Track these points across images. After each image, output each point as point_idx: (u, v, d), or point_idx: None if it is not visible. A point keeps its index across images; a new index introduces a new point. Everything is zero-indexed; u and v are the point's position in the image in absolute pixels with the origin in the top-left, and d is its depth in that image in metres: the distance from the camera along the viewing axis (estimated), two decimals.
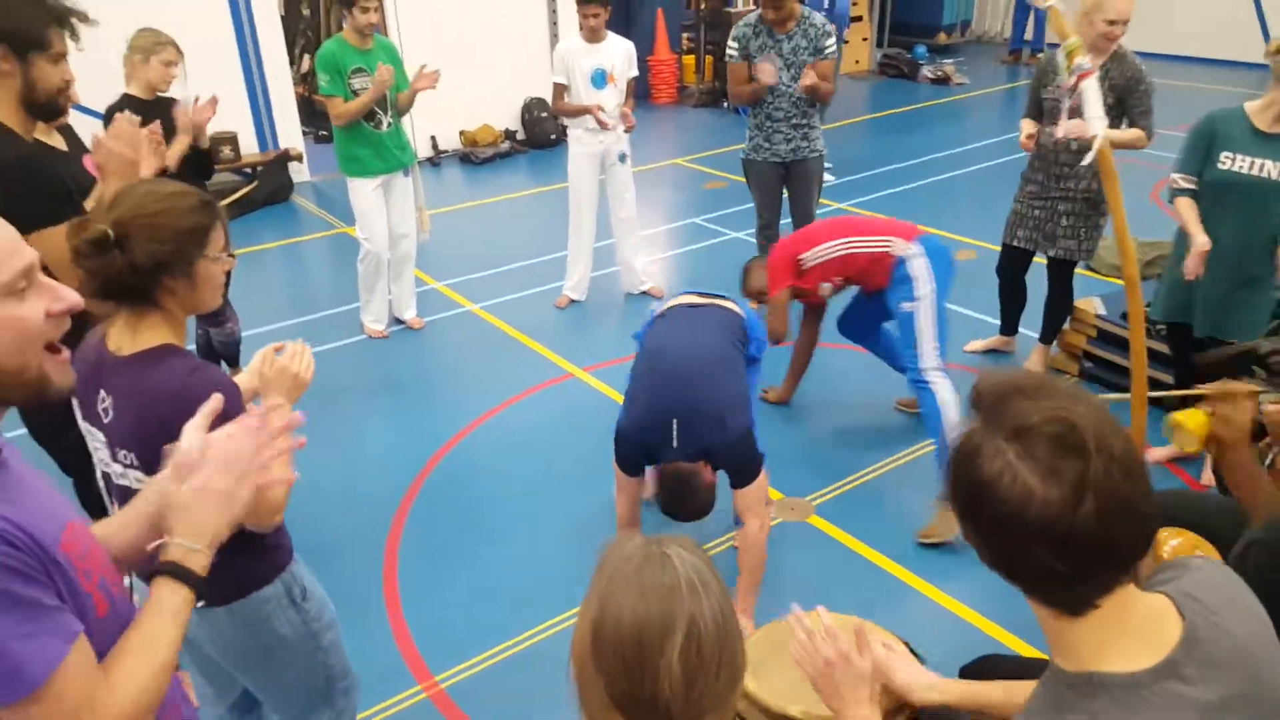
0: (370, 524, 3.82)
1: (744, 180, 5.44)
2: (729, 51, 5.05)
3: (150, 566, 1.31)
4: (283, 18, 8.66)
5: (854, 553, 3.57)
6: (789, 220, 5.29)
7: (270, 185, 7.90)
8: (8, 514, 1.12)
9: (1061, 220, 4.37)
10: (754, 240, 6.25)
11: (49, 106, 2.54)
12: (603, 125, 5.29)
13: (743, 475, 3.05)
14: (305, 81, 9.72)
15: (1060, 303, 4.67)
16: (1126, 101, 4.08)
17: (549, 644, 3.18)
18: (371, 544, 3.71)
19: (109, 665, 1.20)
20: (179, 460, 1.33)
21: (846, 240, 3.92)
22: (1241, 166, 3.51)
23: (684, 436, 2.94)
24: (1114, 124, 4.05)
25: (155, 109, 4.05)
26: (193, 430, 1.36)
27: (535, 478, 4.11)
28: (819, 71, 4.81)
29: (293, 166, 8.25)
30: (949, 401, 3.66)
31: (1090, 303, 4.77)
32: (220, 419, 1.39)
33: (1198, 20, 11.79)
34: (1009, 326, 4.94)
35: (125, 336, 1.77)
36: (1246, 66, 11.48)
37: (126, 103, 4.05)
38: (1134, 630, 1.17)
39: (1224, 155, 3.54)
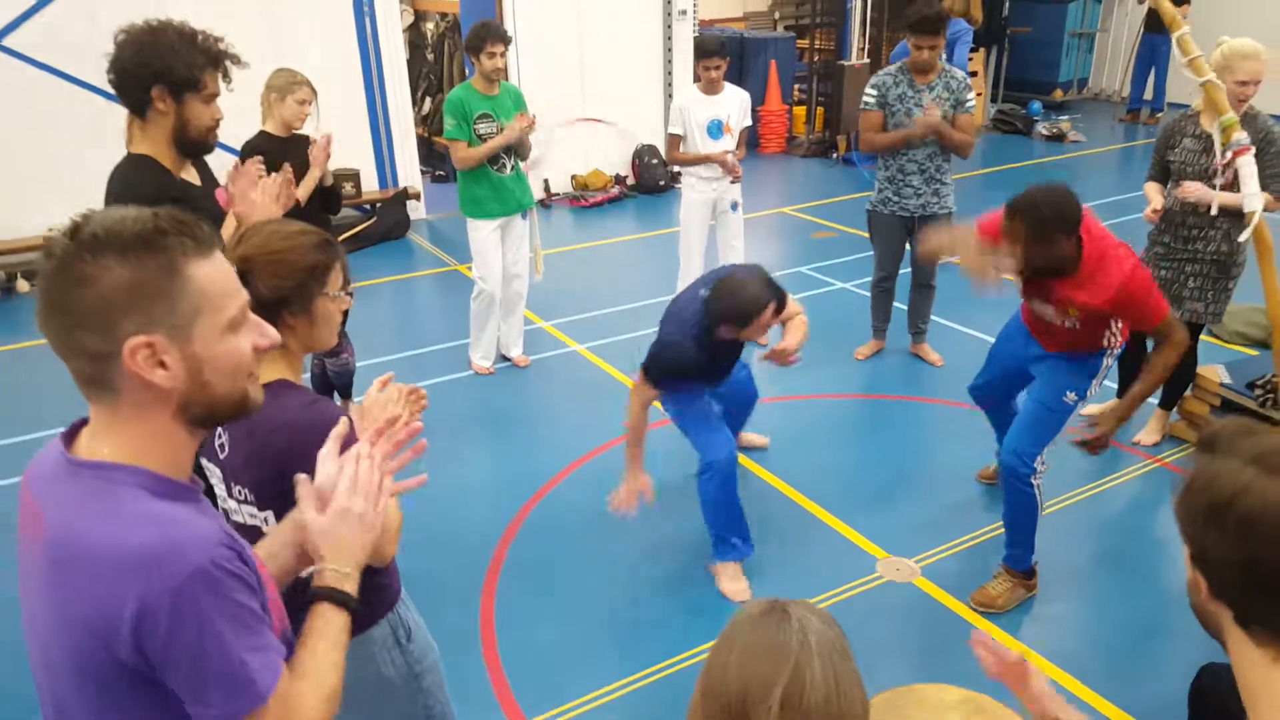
0: (470, 560, 3.88)
1: (851, 230, 5.42)
2: (865, 99, 5.06)
3: (306, 594, 1.37)
4: (407, 61, 9.04)
5: (960, 617, 3.47)
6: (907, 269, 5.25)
7: (388, 222, 8.19)
8: (230, 532, 1.21)
9: (1189, 282, 4.23)
10: (860, 291, 6.21)
11: (199, 144, 2.69)
12: (733, 170, 5.36)
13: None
14: (425, 123, 10.09)
15: (1184, 368, 4.50)
16: (1257, 163, 3.95)
17: (647, 692, 3.16)
18: (470, 580, 3.75)
19: (292, 685, 1.26)
20: (317, 488, 1.40)
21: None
22: None
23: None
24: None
25: (290, 146, 4.31)
26: (326, 458, 1.42)
27: (650, 523, 4.11)
28: (959, 125, 4.86)
29: (410, 204, 8.54)
30: (1038, 498, 3.43)
31: (1214, 370, 4.59)
32: (342, 448, 1.45)
33: None
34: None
35: None
36: None
37: (263, 139, 4.29)
38: None
39: None
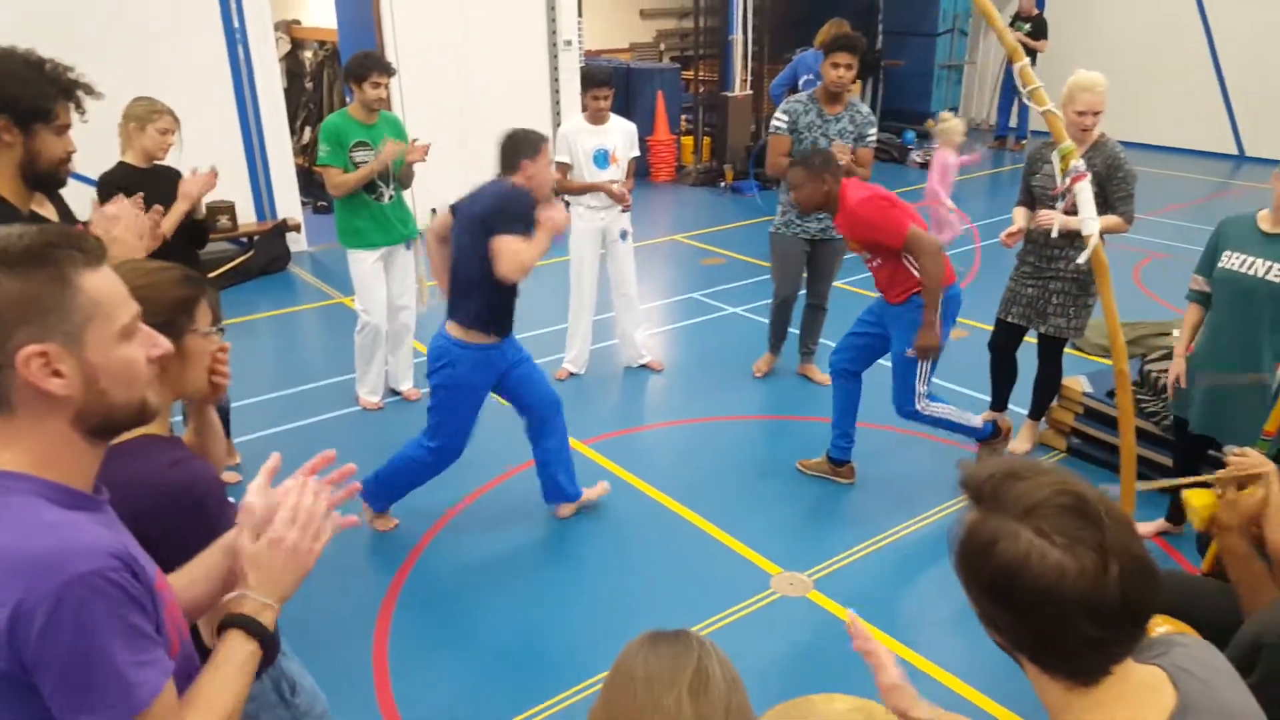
0: (361, 603, 3.75)
1: (741, 257, 5.53)
2: (776, 123, 5.18)
3: (220, 618, 1.35)
4: (285, 90, 8.83)
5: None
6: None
7: (267, 255, 7.94)
8: (127, 544, 1.21)
9: (1053, 299, 4.45)
10: (752, 316, 6.32)
11: (50, 177, 2.54)
12: (621, 199, 5.38)
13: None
14: (306, 153, 9.86)
15: (1050, 380, 4.72)
16: (1106, 188, 4.19)
17: None
18: (361, 624, 3.64)
19: (180, 711, 1.24)
20: (253, 517, 1.39)
21: None
22: (1237, 264, 3.51)
23: None
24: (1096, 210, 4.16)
25: (151, 177, 4.10)
26: (257, 490, 1.42)
27: (533, 554, 4.07)
28: (860, 159, 5.07)
29: (290, 236, 8.31)
30: (949, 410, 4.28)
31: (1077, 381, 4.83)
32: (200, 510, 1.44)
33: (1176, 112, 12.17)
34: (1000, 402, 4.98)
35: None
36: (1218, 156, 11.87)
37: (122, 171, 4.08)
38: (1135, 700, 1.20)
39: (1225, 254, 3.57)
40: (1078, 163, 2.94)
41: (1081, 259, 2.96)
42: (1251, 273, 3.47)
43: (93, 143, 4.17)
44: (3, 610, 1.10)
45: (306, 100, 10.39)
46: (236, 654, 1.32)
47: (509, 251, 3.57)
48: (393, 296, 5.28)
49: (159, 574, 1.29)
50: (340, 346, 5.91)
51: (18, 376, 1.17)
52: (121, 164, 4.13)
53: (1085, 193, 2.91)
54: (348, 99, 5.05)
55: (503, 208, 3.64)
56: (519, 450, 4.80)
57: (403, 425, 5.25)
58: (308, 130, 10.20)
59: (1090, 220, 2.84)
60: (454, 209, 3.92)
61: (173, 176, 4.16)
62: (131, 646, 1.16)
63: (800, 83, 8.44)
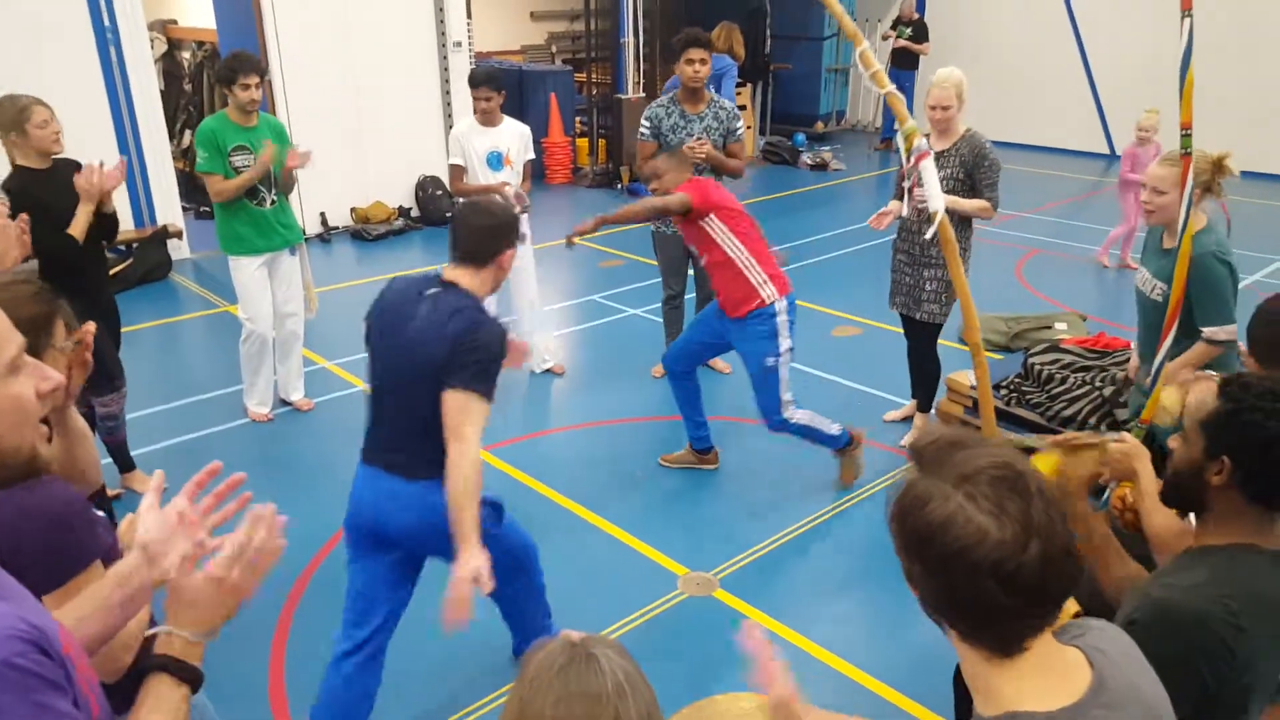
0: (256, 620, 3.62)
1: (638, 258, 5.55)
2: (641, 130, 5.24)
3: (145, 661, 1.26)
4: (163, 93, 8.48)
5: (759, 626, 3.57)
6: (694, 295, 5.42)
7: (147, 263, 7.60)
8: (28, 618, 1.08)
9: (926, 286, 4.61)
10: (652, 317, 6.34)
11: None
12: (518, 201, 5.32)
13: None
14: (186, 157, 9.48)
15: (927, 367, 4.88)
16: (974, 175, 4.41)
17: None
18: (258, 640, 3.52)
19: None
20: (154, 546, 1.30)
21: (747, 255, 4.14)
22: (1140, 281, 3.54)
23: None
24: (965, 196, 4.41)
25: (54, 175, 3.94)
26: (150, 511, 1.33)
27: (435, 565, 3.98)
28: (731, 151, 5.17)
29: (172, 244, 7.97)
30: (810, 416, 4.32)
31: (964, 375, 5.00)
32: (64, 531, 1.33)
33: (1052, 113, 12.76)
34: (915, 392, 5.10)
35: None
36: (1091, 155, 12.49)
37: (24, 176, 3.90)
38: (1052, 675, 1.24)
39: (1139, 263, 3.63)
40: (920, 141, 3.06)
41: (928, 235, 3.07)
42: (1144, 288, 3.50)
43: None
44: None
45: (186, 103, 9.98)
46: (166, 702, 1.23)
47: (477, 422, 2.63)
48: (278, 304, 5.11)
49: (62, 631, 1.18)
50: (227, 357, 5.69)
51: None
52: (19, 168, 3.92)
53: (929, 171, 3.02)
54: (228, 101, 4.87)
55: (482, 351, 2.66)
56: None
57: (295, 437, 5.10)
58: (188, 134, 9.80)
59: (935, 197, 2.95)
60: (382, 310, 2.96)
61: (74, 170, 3.95)
62: None
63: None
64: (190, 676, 1.27)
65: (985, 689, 1.26)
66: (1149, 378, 3.00)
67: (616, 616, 3.59)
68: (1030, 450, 2.50)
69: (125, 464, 4.49)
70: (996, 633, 1.22)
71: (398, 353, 2.76)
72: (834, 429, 4.38)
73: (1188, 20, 2.60)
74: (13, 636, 1.05)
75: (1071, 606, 2.29)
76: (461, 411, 2.57)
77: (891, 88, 2.95)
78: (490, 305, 5.46)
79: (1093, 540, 2.15)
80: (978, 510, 1.15)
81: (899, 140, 3.94)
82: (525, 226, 5.58)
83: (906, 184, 4.35)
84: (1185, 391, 3.37)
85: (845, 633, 3.55)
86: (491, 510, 2.89)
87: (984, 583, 1.15)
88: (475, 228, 2.85)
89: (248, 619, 3.50)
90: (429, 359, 2.63)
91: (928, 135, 4.36)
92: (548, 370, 5.85)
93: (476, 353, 2.61)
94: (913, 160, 3.08)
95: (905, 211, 4.42)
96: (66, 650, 1.14)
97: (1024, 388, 4.89)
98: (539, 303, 5.82)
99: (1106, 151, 12.43)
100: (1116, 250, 7.91)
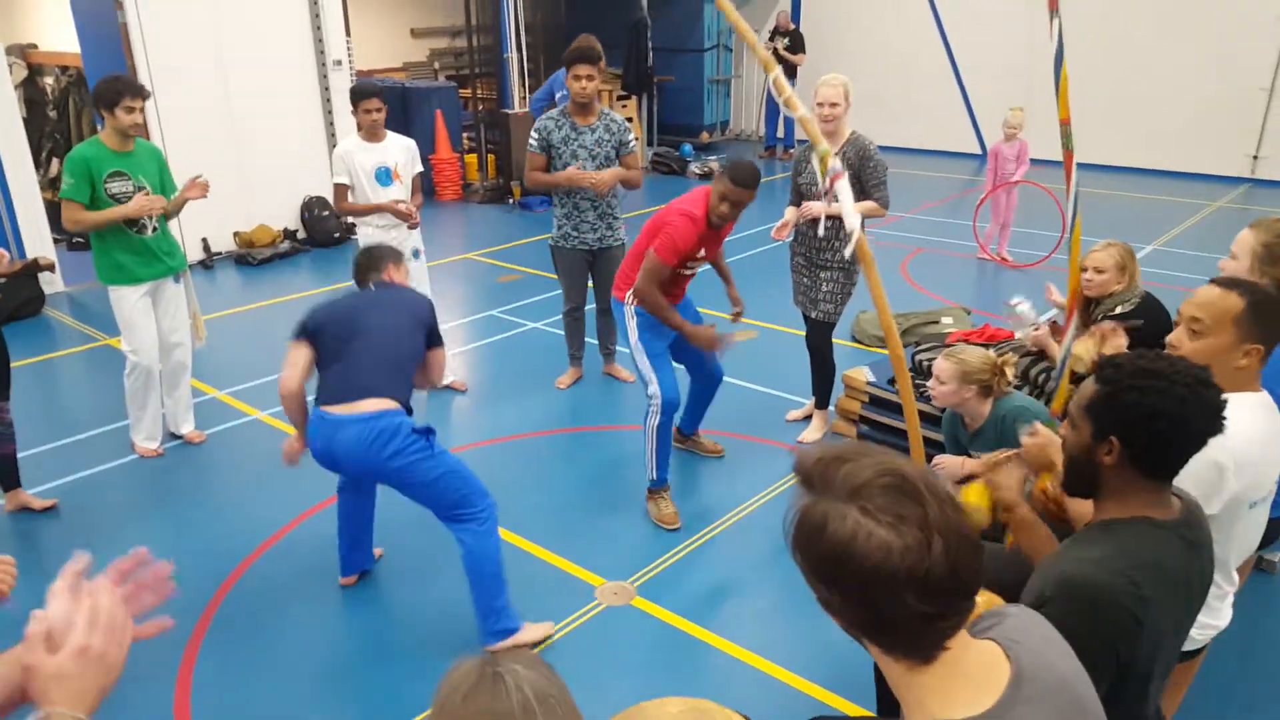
0: (159, 658, 3.47)
1: (535, 271, 5.56)
2: (530, 142, 5.24)
3: None
4: (25, 120, 8.07)
5: (679, 630, 3.61)
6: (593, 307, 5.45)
7: (17, 298, 7.21)
8: None
9: (823, 286, 4.76)
10: (550, 329, 6.32)
11: None
12: (408, 217, 5.25)
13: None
14: (55, 186, 9.03)
15: (824, 365, 5.03)
16: (861, 176, 4.57)
17: None
18: (163, 677, 3.37)
19: None
20: (48, 628, 1.21)
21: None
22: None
23: None
24: (855, 198, 4.51)
25: None
26: (59, 595, 1.24)
27: (339, 592, 3.90)
28: (626, 162, 5.25)
29: (43, 277, 7.58)
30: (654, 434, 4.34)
31: (861, 371, 5.15)
32: None
33: (927, 116, 13.29)
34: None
35: None
36: (964, 156, 13.05)
37: None
38: (972, 676, 1.25)
39: None
40: (834, 163, 3.15)
41: (847, 252, 3.17)
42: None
43: None
44: None
45: (51, 130, 9.52)
46: None
47: (443, 363, 3.74)
48: (164, 334, 4.92)
49: None
50: (111, 392, 5.45)
51: None
52: None
53: (845, 190, 3.11)
54: (99, 127, 4.66)
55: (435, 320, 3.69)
56: (318, 485, 4.62)
57: (187, 471, 4.91)
58: (55, 162, 9.35)
59: (851, 215, 3.05)
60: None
61: None
62: None
63: (557, 98, 8.59)
64: None
65: (911, 700, 1.26)
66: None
67: (565, 613, 3.57)
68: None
69: (11, 481, 4.33)
70: (920, 640, 1.22)
71: (381, 302, 3.67)
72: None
73: (1056, 20, 2.73)
74: None
75: (992, 600, 2.39)
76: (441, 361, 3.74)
77: (804, 112, 3.02)
78: None
79: (1026, 531, 2.24)
80: (877, 524, 1.14)
81: (814, 163, 4.05)
82: (418, 242, 5.52)
83: (820, 187, 4.54)
84: (1098, 340, 3.58)
85: (765, 631, 3.60)
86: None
87: (903, 595, 1.15)
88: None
89: (152, 654, 3.40)
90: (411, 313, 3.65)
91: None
92: (449, 386, 5.78)
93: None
94: (829, 181, 3.17)
95: (821, 228, 4.57)
96: None
97: (916, 382, 5.06)
98: None
99: (978, 151, 13.01)
100: (994, 245, 8.29)
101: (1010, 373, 3.41)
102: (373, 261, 3.83)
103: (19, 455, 4.44)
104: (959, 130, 13.22)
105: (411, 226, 5.38)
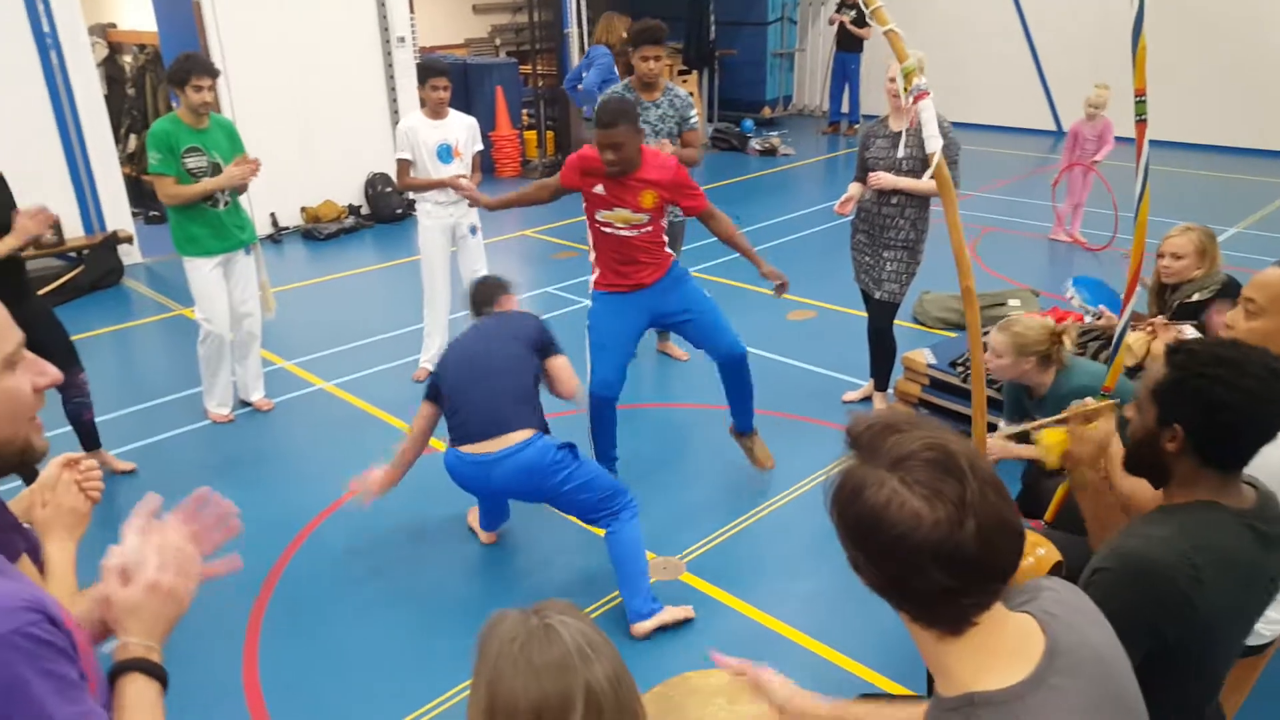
0: (228, 616, 3.64)
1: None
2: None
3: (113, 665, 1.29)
4: (106, 97, 8.34)
5: (727, 606, 3.66)
6: None
7: (98, 269, 7.50)
8: (36, 593, 1.13)
9: (887, 266, 4.72)
10: None
11: None
12: (469, 193, 5.33)
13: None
14: (133, 161, 9.35)
15: (886, 346, 4.99)
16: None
17: None
18: (230, 637, 3.53)
19: None
20: (122, 563, 1.32)
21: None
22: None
23: None
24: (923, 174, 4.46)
25: None
26: (132, 532, 1.35)
27: (401, 555, 4.03)
28: (686, 139, 5.24)
29: (122, 249, 7.87)
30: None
31: (921, 353, 5.11)
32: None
33: (999, 91, 12.96)
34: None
35: None
36: (1037, 133, 12.72)
37: None
38: (1006, 648, 1.25)
39: None
40: (921, 80, 3.07)
41: (926, 176, 3.11)
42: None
43: None
44: None
45: (129, 107, 9.81)
46: (146, 697, 1.27)
47: (569, 370, 3.84)
48: (235, 304, 5.10)
49: (60, 606, 1.22)
50: (184, 359, 5.67)
51: None
52: None
53: (929, 111, 3.04)
54: (174, 104, 4.83)
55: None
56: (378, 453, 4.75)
57: (256, 436, 5.10)
58: (133, 138, 9.66)
59: (933, 138, 2.98)
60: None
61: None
62: (66, 698, 1.11)
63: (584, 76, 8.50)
64: (159, 674, 1.30)
65: (941, 669, 1.27)
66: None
67: (585, 602, 3.66)
68: (1024, 436, 2.56)
69: (92, 443, 4.55)
70: (945, 613, 1.22)
71: (487, 336, 3.84)
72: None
73: None
74: (24, 608, 1.09)
75: (1052, 555, 2.37)
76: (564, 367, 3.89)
77: (892, 25, 2.96)
78: (439, 297, 5.54)
79: (1097, 502, 2.20)
80: (911, 495, 1.15)
81: (899, 78, 3.97)
82: (476, 219, 5.61)
83: (905, 128, 4.50)
84: (1151, 335, 3.50)
85: (814, 612, 3.63)
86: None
87: (926, 567, 1.16)
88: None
89: (218, 618, 3.55)
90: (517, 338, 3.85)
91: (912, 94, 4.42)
92: None
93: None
94: (912, 99, 3.10)
95: (890, 186, 4.51)
96: (68, 623, 1.19)
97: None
98: None
99: (1053, 128, 12.68)
100: (1068, 225, 8.10)
101: (1069, 341, 3.35)
102: (486, 293, 4.03)
103: (100, 419, 4.65)
104: (1033, 106, 12.87)
105: (472, 204, 5.46)
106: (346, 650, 3.49)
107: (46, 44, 7.30)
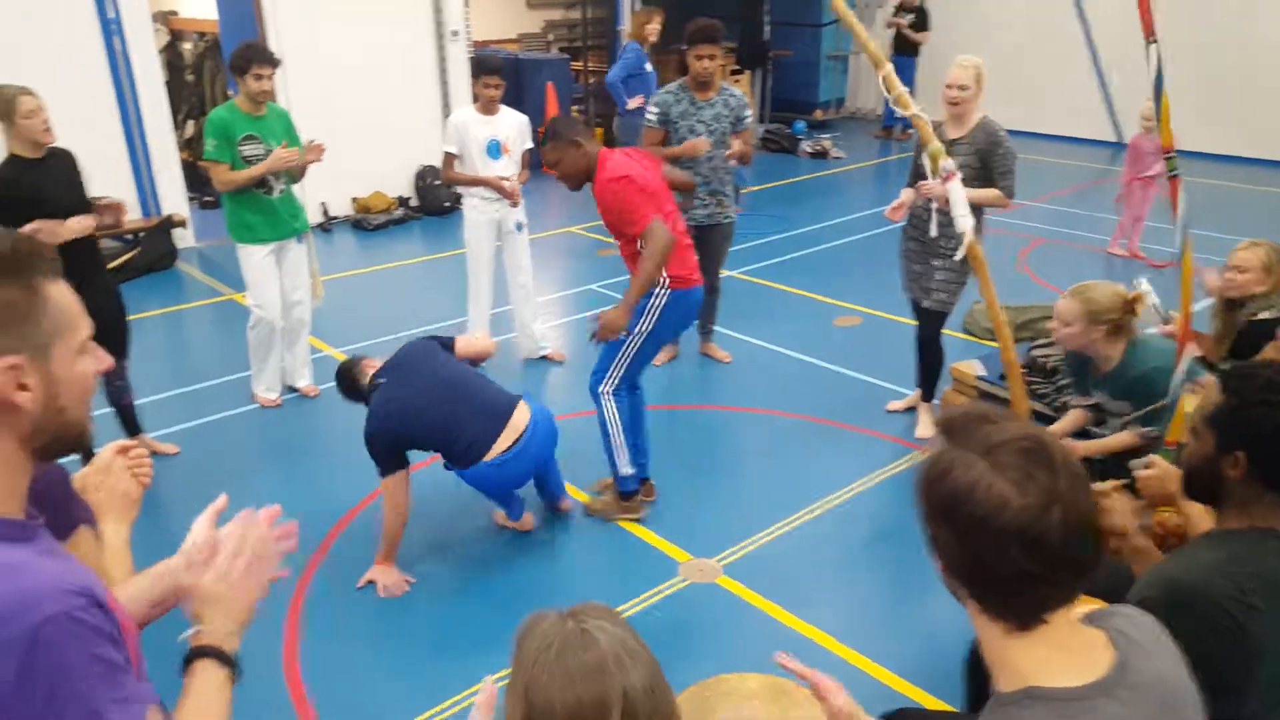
0: (269, 600, 3.67)
1: None
2: (648, 116, 5.25)
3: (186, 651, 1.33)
4: (166, 83, 8.50)
5: (762, 612, 3.63)
6: None
7: (153, 252, 7.65)
8: (84, 576, 1.16)
9: (936, 275, 4.65)
10: None
11: None
12: (510, 195, 5.36)
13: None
14: (190, 147, 9.51)
15: (934, 356, 4.91)
16: (988, 163, 4.40)
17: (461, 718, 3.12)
18: (270, 621, 3.58)
19: None
20: (194, 554, 1.36)
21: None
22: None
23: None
24: (980, 185, 4.39)
25: (46, 164, 4.05)
26: (203, 525, 1.40)
27: (439, 544, 4.05)
28: (743, 138, 5.18)
29: (177, 233, 8.02)
30: (614, 420, 4.06)
31: (971, 365, 5.03)
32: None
33: (1058, 100, 12.70)
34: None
35: None
36: (1098, 144, 12.46)
37: (16, 165, 3.98)
38: (1072, 651, 1.24)
39: None
40: (946, 162, 3.05)
41: (958, 255, 3.09)
42: (1108, 409, 3.52)
43: None
44: None
45: (188, 94, 10.00)
46: (213, 681, 1.30)
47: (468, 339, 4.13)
48: (285, 291, 5.18)
49: (107, 590, 1.25)
50: (233, 344, 5.75)
51: None
52: (12, 156, 4.01)
53: (957, 191, 3.01)
54: (231, 92, 4.92)
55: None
56: None
57: (302, 421, 5.16)
58: (190, 124, 9.83)
59: (963, 218, 2.95)
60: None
61: (69, 160, 4.12)
62: (110, 683, 1.12)
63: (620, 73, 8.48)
64: (231, 662, 1.34)
65: (1004, 664, 1.26)
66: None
67: (616, 602, 3.64)
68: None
69: (133, 428, 4.62)
70: (1018, 603, 1.22)
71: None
72: (624, 464, 4.09)
73: (1154, 47, 2.60)
74: (71, 591, 1.11)
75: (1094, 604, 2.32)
76: None
77: (917, 110, 2.95)
78: (483, 292, 5.57)
79: (1142, 559, 2.15)
80: (1001, 478, 1.16)
81: (925, 161, 3.94)
82: (522, 215, 5.63)
83: (934, 207, 4.39)
84: (1206, 397, 3.40)
85: (851, 620, 3.59)
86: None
87: (1008, 549, 1.16)
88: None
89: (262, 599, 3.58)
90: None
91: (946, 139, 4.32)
92: (545, 357, 5.90)
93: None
94: (940, 180, 3.09)
95: (935, 205, 4.41)
96: (113, 606, 1.21)
97: (1030, 380, 4.92)
98: (534, 291, 5.87)
99: (1114, 139, 12.38)
100: (1125, 240, 7.93)
101: (1141, 310, 3.18)
102: (355, 370, 4.04)
103: (148, 399, 4.74)
104: (1094, 116, 12.60)
105: (514, 204, 5.49)
106: (386, 636, 3.52)
107: (111, 30, 7.46)
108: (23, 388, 1.15)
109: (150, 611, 1.45)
